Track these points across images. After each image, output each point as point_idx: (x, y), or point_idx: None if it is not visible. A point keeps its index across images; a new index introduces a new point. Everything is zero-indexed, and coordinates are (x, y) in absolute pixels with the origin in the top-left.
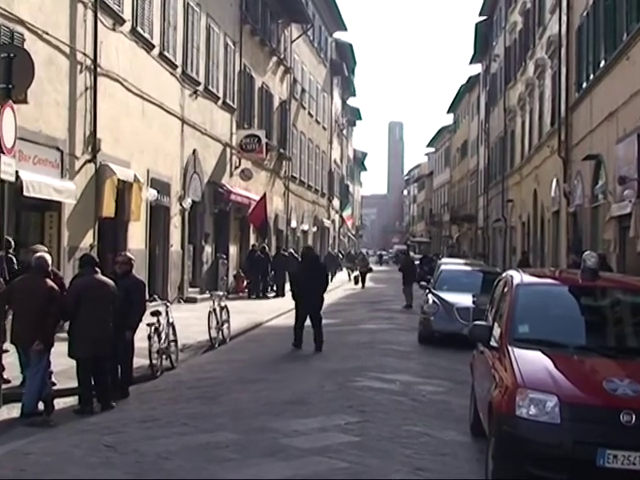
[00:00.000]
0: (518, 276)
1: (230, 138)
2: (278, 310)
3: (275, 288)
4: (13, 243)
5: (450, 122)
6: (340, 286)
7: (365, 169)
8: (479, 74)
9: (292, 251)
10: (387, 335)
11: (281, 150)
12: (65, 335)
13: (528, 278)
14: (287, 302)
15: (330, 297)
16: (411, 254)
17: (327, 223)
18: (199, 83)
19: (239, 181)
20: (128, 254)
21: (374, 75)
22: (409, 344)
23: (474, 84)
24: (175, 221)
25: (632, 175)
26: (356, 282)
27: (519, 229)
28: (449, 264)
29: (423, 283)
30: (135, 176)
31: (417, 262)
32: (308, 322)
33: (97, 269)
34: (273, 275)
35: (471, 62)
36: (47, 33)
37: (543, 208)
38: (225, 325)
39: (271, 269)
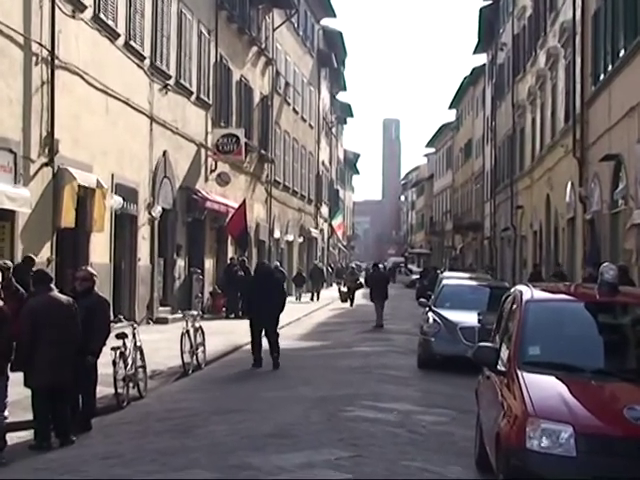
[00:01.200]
0: (528, 291)
1: (205, 138)
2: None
3: None
4: None
5: (452, 119)
6: (328, 304)
7: (357, 172)
8: (484, 65)
9: (277, 264)
10: (383, 358)
11: (262, 151)
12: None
13: (539, 294)
14: None
15: (318, 316)
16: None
17: (314, 233)
18: (170, 76)
19: (215, 186)
20: (90, 269)
21: (367, 67)
22: (407, 368)
23: (479, 76)
24: (143, 232)
25: None
26: (344, 299)
27: (530, 239)
28: (452, 278)
29: (423, 300)
30: (98, 181)
31: (416, 277)
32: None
33: (52, 286)
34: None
35: (475, 52)
36: None
37: (557, 215)
38: (200, 349)
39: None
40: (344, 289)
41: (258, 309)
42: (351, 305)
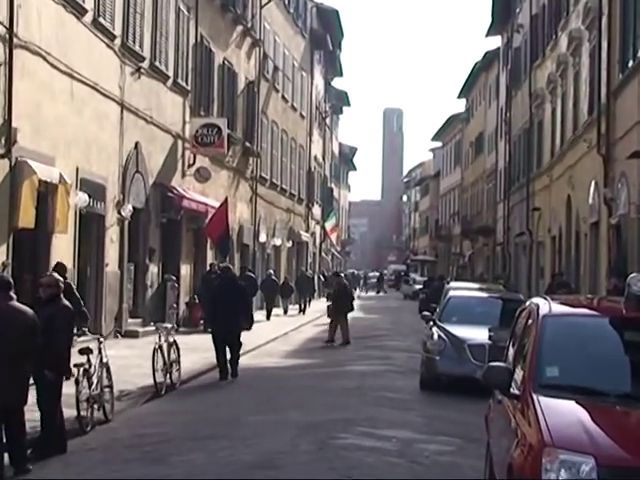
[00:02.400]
0: (545, 305)
1: (182, 128)
2: (242, 347)
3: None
4: None
5: (461, 109)
6: (319, 317)
7: (354, 168)
8: (498, 49)
9: (271, 272)
10: (381, 379)
11: (247, 144)
12: None
13: (558, 308)
14: (255, 336)
15: (307, 331)
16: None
17: (305, 237)
18: (143, 58)
19: (194, 183)
20: (55, 275)
21: (366, 50)
22: (408, 391)
23: (492, 62)
24: (112, 233)
25: None
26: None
27: (548, 245)
28: (459, 289)
29: (426, 313)
30: (61, 176)
31: (419, 287)
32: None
33: (12, 294)
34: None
35: (488, 34)
36: None
37: (578, 219)
38: (174, 366)
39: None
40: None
41: (220, 319)
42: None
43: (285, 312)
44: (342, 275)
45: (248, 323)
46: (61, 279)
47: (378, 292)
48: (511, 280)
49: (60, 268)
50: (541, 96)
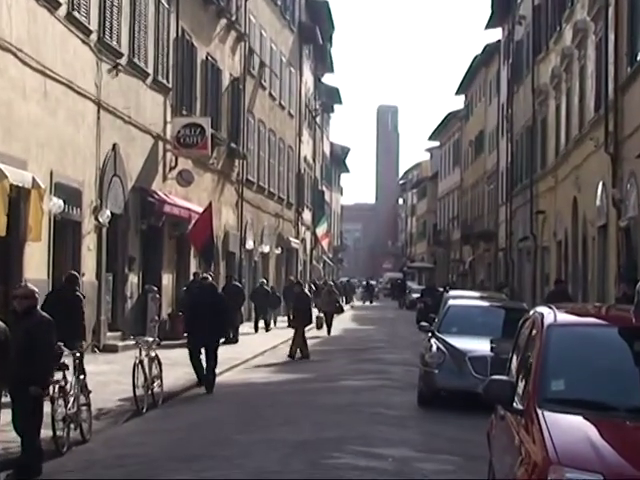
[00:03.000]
0: (550, 314)
1: (163, 128)
2: (229, 361)
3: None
4: None
5: (460, 106)
6: (307, 331)
7: (347, 170)
8: (499, 42)
9: (263, 281)
10: (376, 395)
11: (232, 145)
12: None
13: (563, 317)
14: (243, 350)
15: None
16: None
17: (295, 243)
18: (121, 54)
19: (176, 187)
20: (30, 286)
21: (358, 44)
22: (406, 407)
23: (492, 55)
24: (88, 241)
25: None
26: (319, 326)
27: (553, 250)
28: (459, 298)
29: (424, 324)
30: (34, 180)
31: (417, 295)
32: None
33: None
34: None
35: (488, 26)
36: None
37: (585, 222)
38: (156, 382)
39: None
40: (320, 314)
41: (199, 326)
42: (328, 333)
43: (272, 324)
44: (300, 282)
45: (228, 334)
46: (36, 290)
47: (370, 302)
48: (516, 288)
49: (72, 279)
50: (545, 92)
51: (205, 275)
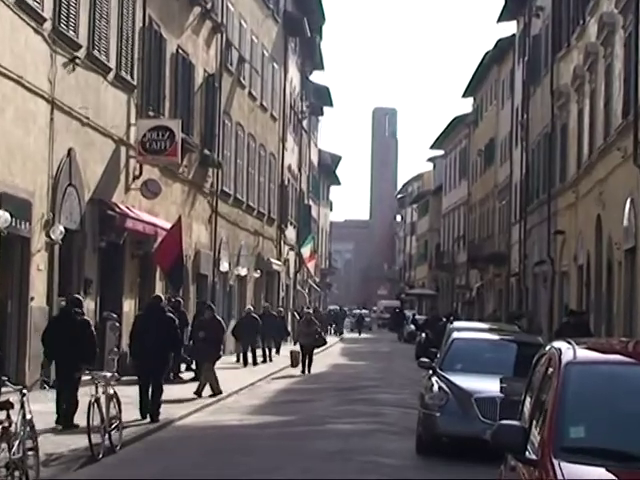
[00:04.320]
0: (569, 350)
1: (127, 132)
2: (199, 400)
3: (195, 365)
4: None
5: (468, 110)
6: (283, 368)
7: (337, 182)
8: (513, 37)
9: (251, 308)
10: (369, 440)
11: (206, 151)
12: None
13: (584, 353)
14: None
15: (277, 382)
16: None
17: (276, 265)
18: (79, 46)
19: (140, 199)
20: None
21: (352, 37)
22: (403, 455)
23: (505, 52)
24: (38, 260)
25: None
26: (294, 363)
27: (574, 276)
28: (465, 330)
29: (425, 360)
30: None
31: (412, 327)
32: None
33: None
34: (192, 344)
35: (500, 19)
36: None
37: (611, 244)
38: (114, 424)
39: (189, 336)
40: (296, 347)
41: (146, 354)
42: (305, 371)
43: (241, 358)
44: (212, 307)
45: (180, 361)
46: None
47: (358, 333)
48: (538, 320)
49: (74, 302)
50: (565, 94)
51: (157, 295)
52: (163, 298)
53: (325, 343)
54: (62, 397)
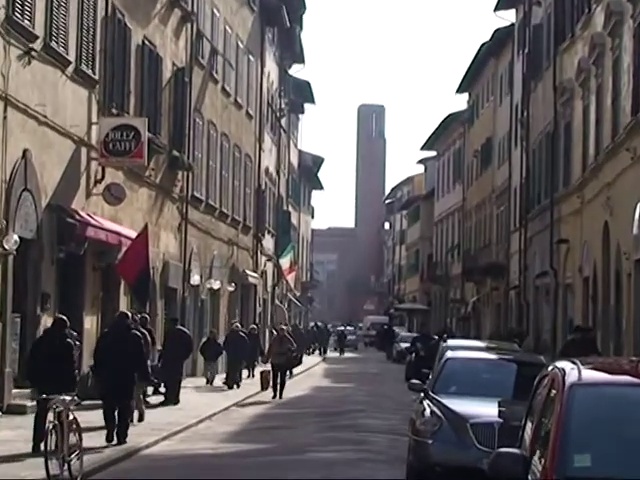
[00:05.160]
0: (573, 371)
1: (88, 131)
2: (168, 427)
3: (164, 388)
4: None
5: (462, 107)
6: (256, 393)
7: (320, 186)
8: (512, 27)
9: (238, 325)
10: (355, 471)
11: (175, 153)
12: None
13: (590, 374)
14: (184, 414)
15: (253, 407)
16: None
17: (253, 278)
18: (35, 37)
19: (103, 205)
20: None
21: (335, 28)
22: None
23: (503, 44)
24: None
25: None
26: (264, 385)
27: (579, 289)
28: (460, 349)
29: (415, 382)
30: None
31: (405, 345)
32: None
33: None
34: (160, 366)
35: (498, 7)
36: None
37: (619, 254)
38: (74, 453)
39: (159, 356)
40: (266, 367)
41: (110, 374)
42: (278, 396)
43: (210, 382)
44: (177, 319)
45: (147, 382)
46: None
47: (340, 353)
48: (546, 339)
49: (60, 324)
50: (569, 90)
51: (123, 312)
52: (129, 315)
53: (300, 363)
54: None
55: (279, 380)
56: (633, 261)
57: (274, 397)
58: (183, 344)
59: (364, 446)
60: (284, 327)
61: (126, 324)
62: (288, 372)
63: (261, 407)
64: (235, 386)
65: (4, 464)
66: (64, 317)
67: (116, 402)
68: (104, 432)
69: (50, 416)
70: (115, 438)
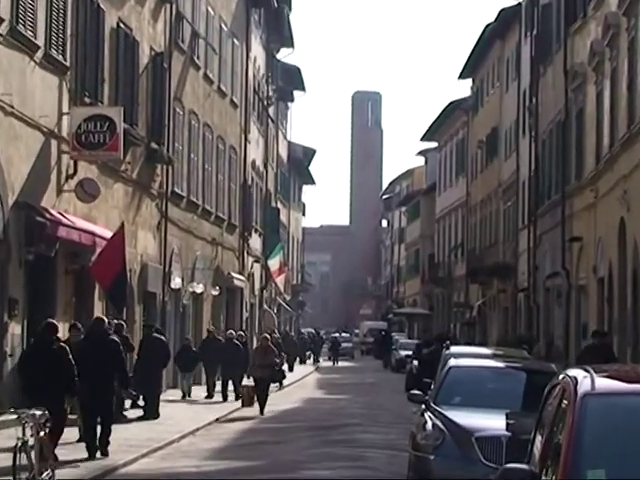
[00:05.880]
0: (586, 379)
1: (58, 122)
2: (147, 443)
3: (142, 399)
4: None
5: (466, 94)
6: (235, 409)
7: (311, 181)
8: (519, 6)
9: (233, 333)
10: None
11: (153, 145)
12: None
13: (604, 383)
14: (165, 429)
15: (241, 422)
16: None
17: (239, 281)
18: (0, 21)
19: (75, 202)
20: None
21: (327, 8)
22: None
23: (509, 25)
24: None
25: None
26: (245, 402)
27: (593, 291)
28: (464, 356)
29: (416, 392)
30: None
31: (405, 353)
32: None
33: None
34: (136, 377)
35: None
36: None
37: (637, 252)
38: (45, 473)
39: (135, 366)
40: (249, 381)
41: (89, 383)
42: (261, 412)
43: (187, 395)
44: (153, 325)
45: (127, 391)
46: None
47: (334, 362)
48: (558, 344)
49: (51, 329)
50: (581, 74)
51: (99, 317)
52: (106, 320)
53: (284, 377)
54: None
55: (262, 394)
56: None
57: (260, 413)
58: (160, 353)
59: (360, 462)
60: (268, 336)
61: (103, 329)
62: (278, 384)
63: (248, 421)
64: (209, 397)
65: None
66: (53, 321)
67: (97, 412)
68: (80, 451)
69: (19, 432)
70: (97, 451)
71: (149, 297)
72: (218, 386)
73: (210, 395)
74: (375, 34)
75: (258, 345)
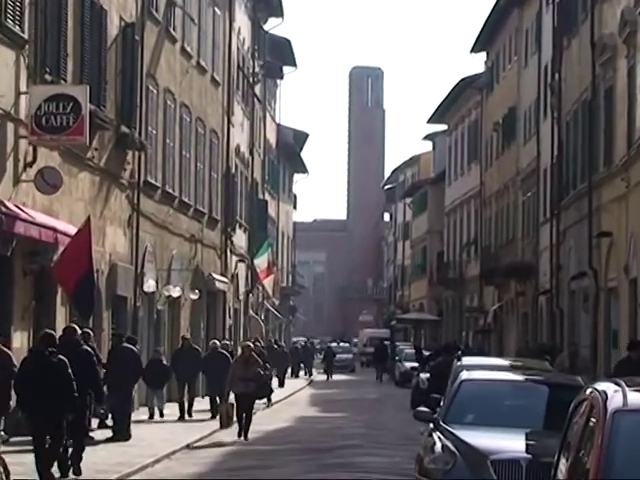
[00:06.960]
0: (617, 394)
1: (15, 103)
2: (117, 468)
3: (111, 418)
4: None
5: (479, 70)
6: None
7: (304, 169)
8: None
9: (217, 343)
10: None
11: (124, 129)
12: None
13: (637, 398)
14: (138, 451)
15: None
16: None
17: (221, 283)
18: None
19: (35, 194)
20: None
21: None
22: None
23: None
24: None
25: None
26: (224, 423)
27: (624, 294)
28: (477, 368)
29: (423, 410)
30: None
31: (410, 365)
32: None
33: None
34: (107, 392)
35: None
36: None
37: None
38: None
39: (103, 379)
40: (227, 402)
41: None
42: (243, 436)
43: (159, 414)
44: (122, 334)
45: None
46: None
47: (328, 376)
48: (583, 356)
49: (48, 340)
50: (610, 47)
51: (70, 325)
52: (77, 329)
53: (271, 392)
54: (42, 453)
55: (244, 415)
56: None
57: (239, 435)
58: (131, 366)
59: None
60: (250, 344)
61: (75, 339)
62: (266, 400)
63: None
64: (182, 417)
65: None
66: (51, 332)
67: (71, 429)
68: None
69: None
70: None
71: (119, 302)
72: (198, 404)
73: (182, 416)
74: (376, 1)
75: (239, 355)
